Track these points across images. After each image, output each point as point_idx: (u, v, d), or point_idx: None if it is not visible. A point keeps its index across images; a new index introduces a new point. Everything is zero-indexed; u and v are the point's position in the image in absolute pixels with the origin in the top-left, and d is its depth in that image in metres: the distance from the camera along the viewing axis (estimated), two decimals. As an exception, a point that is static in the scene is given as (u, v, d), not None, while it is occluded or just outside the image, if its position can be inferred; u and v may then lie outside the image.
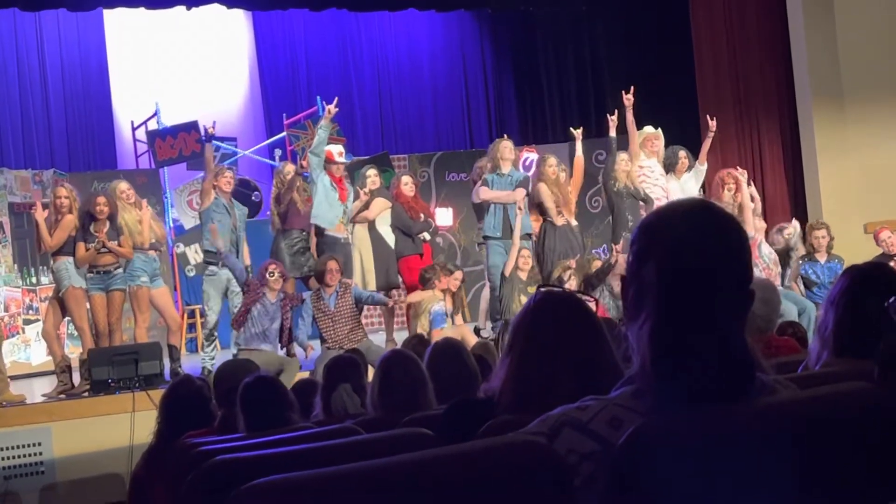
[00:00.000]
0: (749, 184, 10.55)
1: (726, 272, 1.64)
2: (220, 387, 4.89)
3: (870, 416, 1.59)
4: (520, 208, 9.50)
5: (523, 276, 9.38)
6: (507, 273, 9.36)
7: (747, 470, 1.48)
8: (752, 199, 10.35)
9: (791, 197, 12.59)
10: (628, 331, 1.70)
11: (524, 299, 9.13)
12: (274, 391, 4.13)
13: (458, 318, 9.54)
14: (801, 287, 10.29)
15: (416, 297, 9.32)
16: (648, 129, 10.47)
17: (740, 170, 10.51)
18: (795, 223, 10.55)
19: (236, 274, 8.94)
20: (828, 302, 2.91)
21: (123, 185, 9.33)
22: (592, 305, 2.72)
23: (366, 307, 9.72)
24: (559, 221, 9.84)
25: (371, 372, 4.75)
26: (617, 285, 9.24)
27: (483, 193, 9.70)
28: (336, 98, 10.03)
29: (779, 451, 1.50)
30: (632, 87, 10.19)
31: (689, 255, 1.63)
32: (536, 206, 9.92)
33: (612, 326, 4.92)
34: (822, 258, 10.24)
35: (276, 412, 3.97)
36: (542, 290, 2.61)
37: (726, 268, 1.64)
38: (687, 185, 10.32)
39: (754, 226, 10.04)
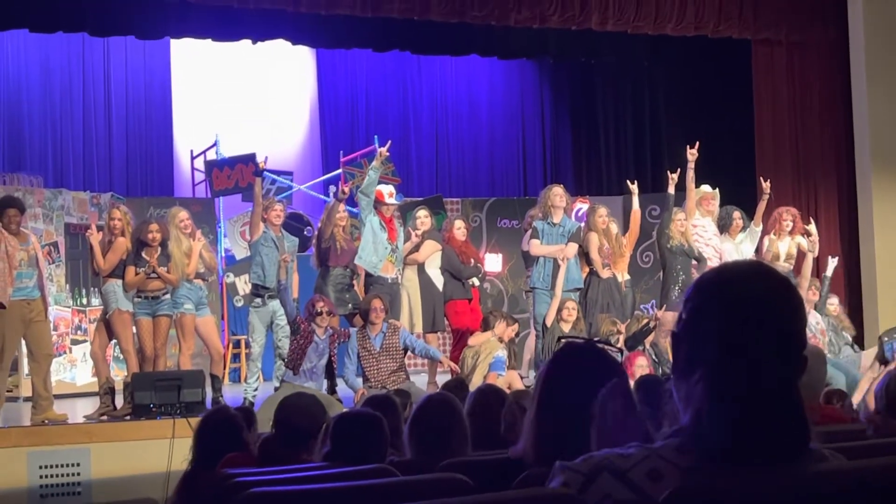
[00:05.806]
0: (809, 222, 10.69)
1: (785, 333, 1.63)
2: (283, 419, 4.62)
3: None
4: (561, 262, 9.45)
5: (566, 327, 9.29)
6: (548, 323, 9.32)
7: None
8: (809, 237, 10.34)
9: (846, 266, 12.39)
10: (676, 386, 1.68)
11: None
12: (377, 428, 3.86)
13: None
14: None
15: (479, 338, 9.27)
16: (705, 187, 10.43)
17: (812, 237, 10.47)
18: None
19: (287, 309, 8.89)
20: None
21: (183, 214, 9.23)
22: (616, 356, 2.70)
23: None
24: (605, 274, 9.79)
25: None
26: (663, 342, 9.15)
27: (534, 249, 9.67)
28: (389, 141, 10.09)
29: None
30: (696, 143, 10.14)
31: (751, 315, 1.63)
32: (584, 255, 9.88)
33: (658, 383, 4.86)
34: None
35: (376, 449, 3.77)
36: (563, 340, 2.60)
37: (785, 329, 1.64)
38: (742, 246, 10.27)
39: (805, 297, 9.97)
